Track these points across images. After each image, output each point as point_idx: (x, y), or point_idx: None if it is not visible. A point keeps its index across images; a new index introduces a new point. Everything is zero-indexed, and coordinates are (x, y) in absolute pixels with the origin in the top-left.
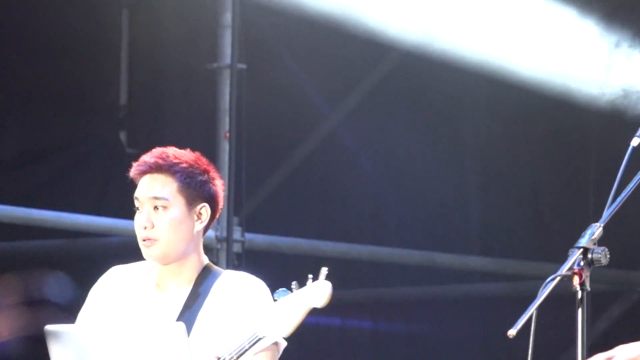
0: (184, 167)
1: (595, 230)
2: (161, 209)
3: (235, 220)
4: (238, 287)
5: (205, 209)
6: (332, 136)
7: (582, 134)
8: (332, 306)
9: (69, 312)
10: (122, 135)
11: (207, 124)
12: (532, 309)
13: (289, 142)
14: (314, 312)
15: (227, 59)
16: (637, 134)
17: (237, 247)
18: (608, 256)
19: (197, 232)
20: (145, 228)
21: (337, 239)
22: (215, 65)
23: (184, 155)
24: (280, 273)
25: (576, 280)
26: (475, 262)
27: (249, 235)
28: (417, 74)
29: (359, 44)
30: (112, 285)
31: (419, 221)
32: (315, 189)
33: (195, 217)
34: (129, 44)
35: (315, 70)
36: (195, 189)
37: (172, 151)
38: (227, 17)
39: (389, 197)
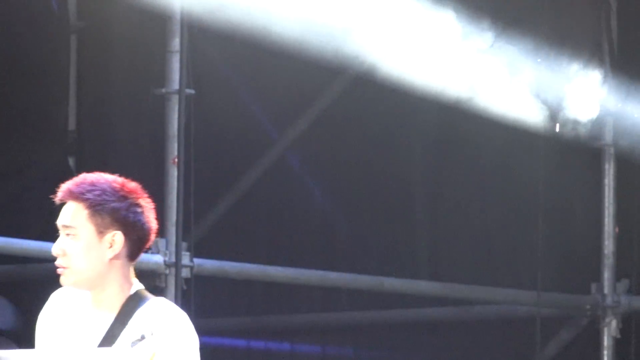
0: (96, 194)
1: None
2: (71, 237)
3: (184, 245)
4: (157, 317)
5: (117, 237)
6: (281, 161)
7: (531, 158)
8: (281, 331)
9: (11, 337)
10: (71, 161)
11: (156, 150)
12: None
13: (237, 167)
14: (263, 336)
15: (176, 85)
16: None
17: (185, 272)
18: None
19: (111, 259)
20: (58, 256)
21: (286, 263)
22: (163, 90)
23: (102, 182)
24: (229, 298)
25: None
26: (424, 286)
27: (197, 261)
28: (366, 98)
29: (307, 69)
30: (55, 310)
31: (368, 246)
32: (264, 213)
33: (108, 245)
34: (78, 70)
35: (263, 95)
36: (105, 216)
37: (92, 177)
38: (176, 43)
39: (338, 221)
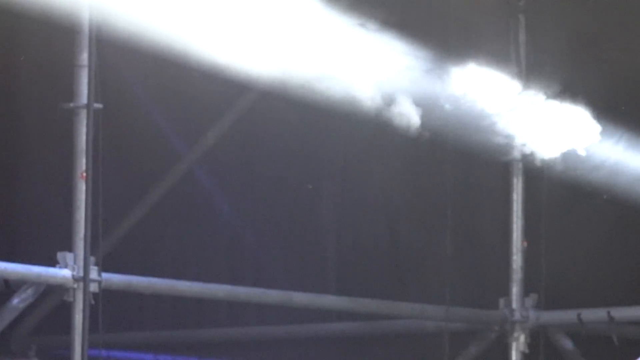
0: None
1: None
2: None
3: (92, 260)
4: None
5: None
6: (189, 176)
7: (439, 173)
8: (189, 345)
9: None
10: None
11: (65, 164)
12: None
13: (145, 181)
14: (171, 350)
15: (84, 99)
16: None
17: (93, 287)
18: None
19: None
20: None
21: (194, 278)
22: (71, 105)
23: None
24: (137, 313)
25: None
26: (333, 301)
27: (105, 275)
28: (274, 112)
29: (215, 84)
30: None
31: (276, 260)
32: (172, 228)
33: None
34: None
35: (172, 109)
36: None
37: None
38: (84, 57)
39: (246, 236)
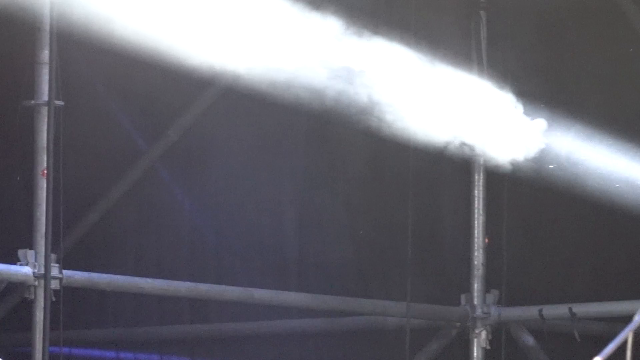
0: None
1: None
2: None
3: (53, 257)
4: None
5: None
6: (150, 172)
7: (400, 169)
8: (150, 342)
9: None
10: None
11: (26, 162)
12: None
13: (107, 178)
14: (132, 347)
15: (45, 96)
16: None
17: (54, 284)
18: None
19: None
20: None
21: (155, 275)
22: (32, 102)
23: None
24: (98, 309)
25: None
26: (294, 298)
27: (66, 272)
28: (235, 109)
29: (177, 80)
30: None
31: (238, 257)
32: (133, 225)
33: None
34: None
35: (133, 106)
36: None
37: None
38: (45, 54)
39: (207, 233)
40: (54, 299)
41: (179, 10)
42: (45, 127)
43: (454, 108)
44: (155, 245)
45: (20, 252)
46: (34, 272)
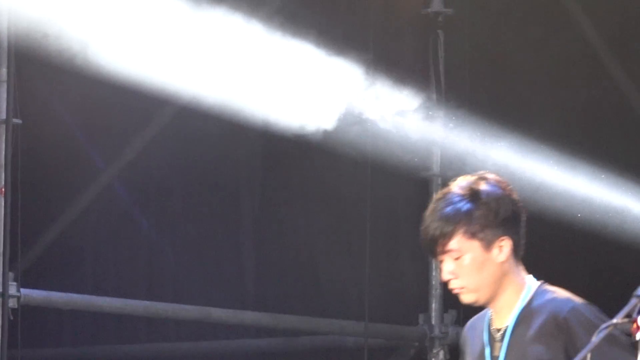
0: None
1: None
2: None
3: (11, 275)
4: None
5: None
6: (108, 191)
7: (358, 187)
8: None
9: None
10: None
11: None
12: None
13: (65, 197)
14: None
15: (2, 114)
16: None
17: (12, 303)
18: None
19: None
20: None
21: (113, 294)
22: None
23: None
24: (56, 329)
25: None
26: (252, 317)
27: (24, 291)
28: (192, 128)
29: (133, 99)
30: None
31: (195, 276)
32: (91, 243)
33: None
34: None
35: (90, 124)
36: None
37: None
38: (3, 72)
39: (165, 251)
40: (11, 318)
41: (135, 29)
42: (2, 146)
43: (413, 126)
44: (113, 264)
45: None
46: None
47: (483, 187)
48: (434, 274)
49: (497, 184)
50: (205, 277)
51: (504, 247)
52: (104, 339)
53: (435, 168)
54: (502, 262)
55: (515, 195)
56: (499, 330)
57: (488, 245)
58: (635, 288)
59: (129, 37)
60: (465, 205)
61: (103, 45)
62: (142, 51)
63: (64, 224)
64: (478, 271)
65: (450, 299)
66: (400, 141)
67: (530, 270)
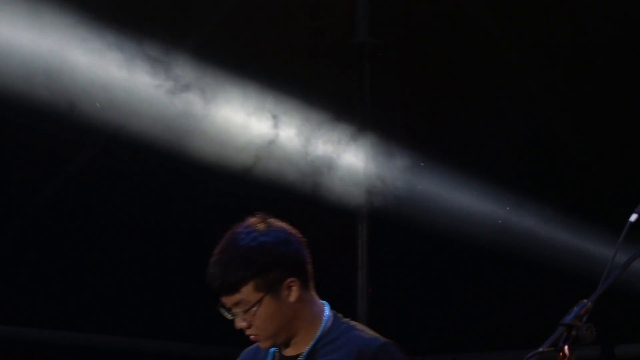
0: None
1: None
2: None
3: None
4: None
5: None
6: (35, 222)
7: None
8: None
9: None
10: None
11: None
12: None
13: None
14: None
15: None
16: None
17: None
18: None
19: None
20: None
21: (40, 325)
22: None
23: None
24: None
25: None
26: (181, 347)
27: None
28: (119, 158)
29: (60, 130)
30: None
31: (125, 307)
32: (17, 274)
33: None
34: None
35: (16, 155)
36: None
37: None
38: None
39: (92, 282)
40: None
41: (64, 59)
42: None
43: (337, 156)
44: (40, 296)
45: None
46: None
47: (264, 234)
48: (359, 304)
49: (278, 228)
50: (135, 308)
51: (292, 287)
52: None
53: (361, 199)
54: (294, 302)
55: (295, 235)
56: (291, 357)
57: (276, 291)
58: (561, 317)
59: (55, 66)
60: (248, 255)
61: (27, 76)
62: (66, 81)
63: None
64: (270, 320)
65: (376, 330)
66: (326, 172)
67: (484, 312)
